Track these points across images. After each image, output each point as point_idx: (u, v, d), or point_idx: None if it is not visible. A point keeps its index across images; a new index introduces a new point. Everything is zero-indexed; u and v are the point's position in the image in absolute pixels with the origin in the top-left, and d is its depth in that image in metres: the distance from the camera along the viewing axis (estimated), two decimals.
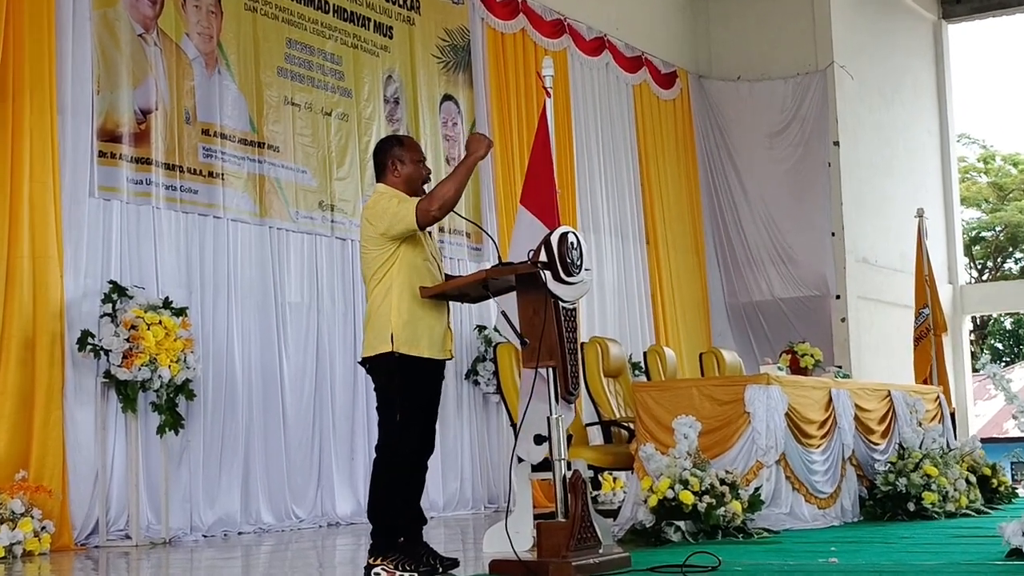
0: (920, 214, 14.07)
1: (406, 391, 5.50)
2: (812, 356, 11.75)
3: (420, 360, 5.53)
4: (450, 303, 5.80)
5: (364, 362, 5.66)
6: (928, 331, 13.58)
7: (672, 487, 6.70)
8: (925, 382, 12.96)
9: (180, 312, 8.44)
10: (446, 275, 5.81)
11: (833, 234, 15.75)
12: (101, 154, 8.59)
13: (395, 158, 5.73)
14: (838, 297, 15.66)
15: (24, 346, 7.92)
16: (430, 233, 5.81)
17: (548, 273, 5.33)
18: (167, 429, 8.36)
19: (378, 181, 5.81)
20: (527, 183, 7.03)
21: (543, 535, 5.27)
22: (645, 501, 6.81)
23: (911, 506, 8.26)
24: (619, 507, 7.81)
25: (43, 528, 7.51)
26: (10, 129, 8.02)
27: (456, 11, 12.25)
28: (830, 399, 8.20)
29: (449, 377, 5.97)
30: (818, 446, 7.88)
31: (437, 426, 5.79)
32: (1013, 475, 20.31)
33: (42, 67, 8.23)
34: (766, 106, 16.24)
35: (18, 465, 7.71)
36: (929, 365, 13.51)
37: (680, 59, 16.13)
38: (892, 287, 16.33)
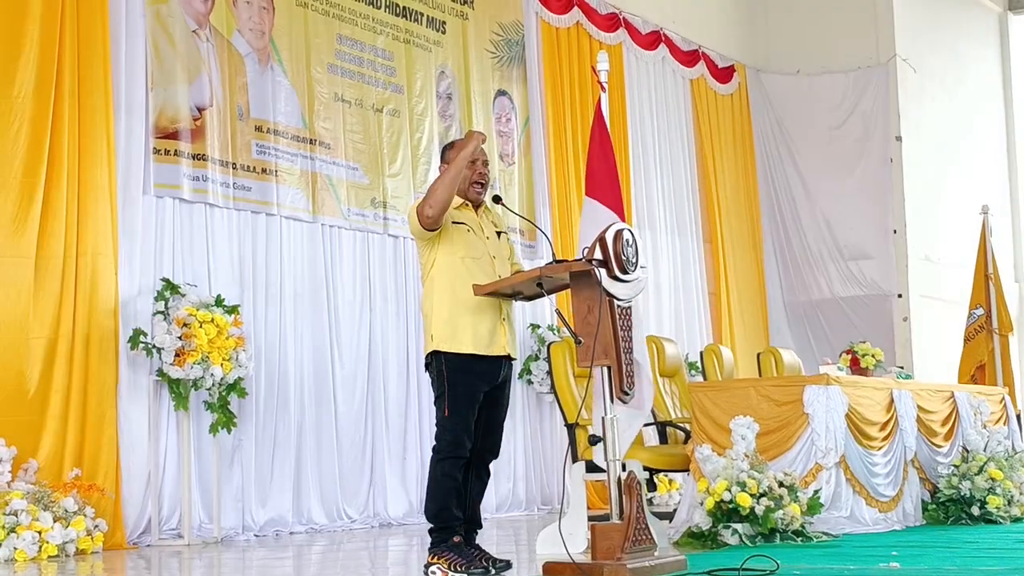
0: (985, 211, 13.92)
1: (451, 388, 5.61)
2: (873, 356, 11.62)
3: (463, 357, 5.62)
4: (514, 301, 5.87)
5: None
6: (979, 331, 13.44)
7: (729, 489, 6.68)
8: (974, 381, 12.84)
9: (232, 310, 8.51)
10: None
11: (895, 231, 15.60)
12: (156, 151, 8.68)
13: (445, 161, 5.89)
14: (900, 296, 15.53)
15: (77, 344, 8.01)
16: (499, 235, 5.91)
17: (603, 271, 5.33)
18: (219, 428, 8.43)
19: None
20: (590, 174, 7.03)
21: (597, 537, 5.26)
22: (701, 503, 6.79)
23: (975, 510, 8.19)
24: (675, 509, 7.79)
25: (96, 527, 7.59)
26: (65, 126, 8.11)
27: (510, 5, 12.26)
28: (892, 400, 8.14)
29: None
30: (879, 448, 7.82)
31: None
32: None
33: (96, 64, 8.32)
34: (826, 100, 16.11)
35: (71, 463, 7.82)
36: (975, 366, 13.37)
37: (738, 53, 16.05)
38: (956, 286, 16.13)
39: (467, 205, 5.85)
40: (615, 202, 6.78)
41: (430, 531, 5.69)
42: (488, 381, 5.72)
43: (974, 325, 13.52)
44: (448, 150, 5.95)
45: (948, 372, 14.45)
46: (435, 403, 5.75)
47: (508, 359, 5.80)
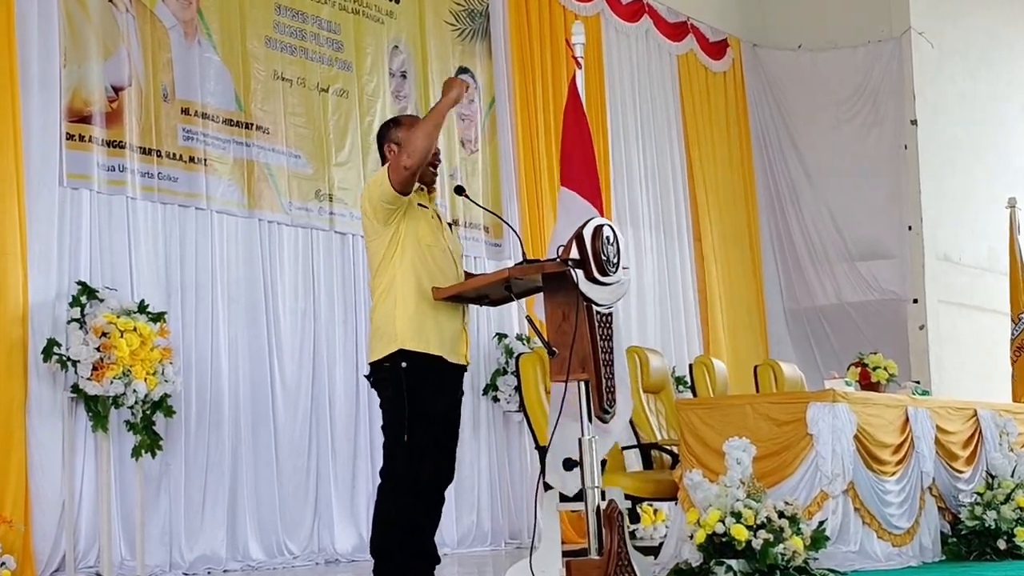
0: (1012, 204, 14.01)
1: (412, 402, 5.48)
2: (885, 369, 11.70)
3: (430, 359, 5.54)
4: (469, 306, 5.85)
5: (369, 374, 5.70)
6: None
7: (722, 520, 6.72)
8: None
9: (158, 317, 8.51)
10: (465, 273, 5.86)
11: (910, 228, 15.70)
12: (69, 136, 8.66)
13: (391, 141, 5.86)
14: (916, 301, 15.62)
15: None
16: (450, 227, 5.91)
17: (580, 272, 5.36)
18: (143, 451, 8.42)
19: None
20: (566, 161, 7.05)
21: (574, 574, 5.30)
22: (691, 536, 6.83)
23: (1001, 544, 8.24)
24: (661, 543, 7.84)
25: (2, 564, 7.57)
26: None
27: None
28: (906, 419, 8.19)
29: (465, 392, 5.98)
30: (892, 474, 7.88)
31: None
32: None
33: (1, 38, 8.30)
34: (832, 79, 16.20)
35: None
36: None
37: (731, 25, 16.13)
38: (979, 289, 16.27)
39: (422, 190, 5.86)
40: (594, 193, 6.80)
41: (375, 572, 5.59)
42: (452, 395, 5.70)
43: (1022, 336, 13.50)
44: (394, 127, 5.90)
45: (971, 386, 14.55)
46: (388, 425, 5.60)
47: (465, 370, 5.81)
